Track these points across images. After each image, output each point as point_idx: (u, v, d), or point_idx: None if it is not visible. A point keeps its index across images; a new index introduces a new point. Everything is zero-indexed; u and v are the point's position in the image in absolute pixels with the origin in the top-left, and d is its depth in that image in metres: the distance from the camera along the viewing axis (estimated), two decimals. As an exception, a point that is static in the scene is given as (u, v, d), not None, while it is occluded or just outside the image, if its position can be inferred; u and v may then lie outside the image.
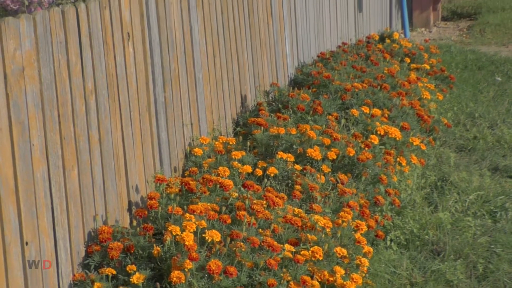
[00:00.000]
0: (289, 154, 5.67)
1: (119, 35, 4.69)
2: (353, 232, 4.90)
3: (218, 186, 4.96)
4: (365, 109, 6.91)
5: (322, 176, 5.59)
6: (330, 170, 5.73)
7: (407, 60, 9.45)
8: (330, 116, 6.73)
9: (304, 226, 4.78)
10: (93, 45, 4.33)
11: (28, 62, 3.61)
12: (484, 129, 7.91)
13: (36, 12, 3.66)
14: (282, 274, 4.22)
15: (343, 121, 6.69)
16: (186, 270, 3.92)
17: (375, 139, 6.30)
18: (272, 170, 5.44)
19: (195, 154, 5.54)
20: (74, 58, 4.10)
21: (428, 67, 9.37)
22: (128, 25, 4.83)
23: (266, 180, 5.39)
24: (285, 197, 5.17)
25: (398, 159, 6.39)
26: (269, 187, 5.29)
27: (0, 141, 3.40)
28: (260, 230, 4.60)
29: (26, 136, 3.60)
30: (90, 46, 4.28)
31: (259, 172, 5.45)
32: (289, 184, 5.52)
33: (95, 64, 4.34)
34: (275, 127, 6.00)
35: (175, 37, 5.62)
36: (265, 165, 5.54)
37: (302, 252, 4.43)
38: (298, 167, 5.62)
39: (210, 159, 5.48)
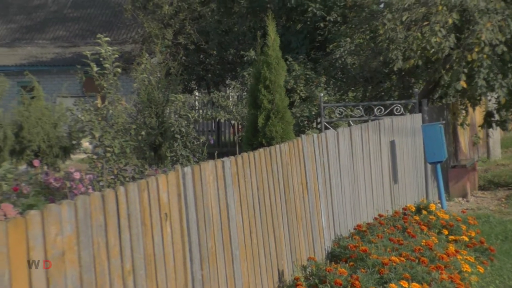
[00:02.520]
0: (328, 332, 5.59)
1: (157, 216, 4.79)
2: None
3: None
4: (404, 284, 6.83)
5: None
6: None
7: (445, 232, 9.42)
8: (368, 291, 6.65)
9: None
10: (132, 226, 4.42)
11: (69, 246, 3.69)
12: (528, 302, 7.74)
13: (78, 197, 3.78)
14: None
15: (381, 296, 6.61)
16: None
17: (415, 315, 6.19)
18: None
19: (232, 332, 5.49)
20: (113, 240, 4.18)
21: (466, 239, 9.31)
22: (166, 206, 4.94)
23: None
24: None
25: (439, 335, 6.25)
26: None
27: (38, 326, 3.43)
28: None
29: (64, 320, 3.63)
30: (128, 228, 4.38)
31: None
32: None
33: (133, 245, 4.42)
34: (312, 304, 5.95)
35: (212, 215, 5.71)
36: None
37: None
38: None
39: (247, 338, 5.41)
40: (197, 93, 24.99)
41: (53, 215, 3.57)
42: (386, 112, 13.79)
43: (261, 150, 6.89)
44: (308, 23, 20.46)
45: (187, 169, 5.37)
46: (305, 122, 17.91)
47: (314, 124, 18.64)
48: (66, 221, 3.69)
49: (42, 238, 3.49)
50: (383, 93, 16.63)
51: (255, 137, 10.48)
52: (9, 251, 3.27)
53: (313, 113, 17.60)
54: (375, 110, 14.09)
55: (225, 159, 6.09)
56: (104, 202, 4.12)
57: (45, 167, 13.71)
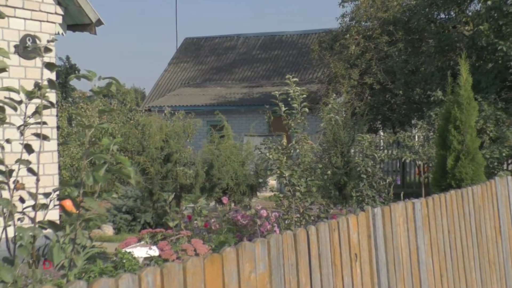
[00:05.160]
0: None
1: (347, 256, 4.75)
2: None
3: None
4: None
5: None
6: None
7: None
8: None
9: None
10: (322, 266, 4.40)
11: (262, 284, 3.72)
12: None
13: (271, 235, 3.81)
14: None
15: None
16: None
17: None
18: None
19: None
20: (304, 279, 4.17)
21: None
22: (356, 246, 4.89)
23: None
24: None
25: None
26: None
27: None
28: None
29: None
30: (319, 267, 4.36)
31: None
32: None
33: (323, 284, 4.39)
34: None
35: (402, 257, 5.59)
36: None
37: None
38: None
39: None
40: (381, 133, 24.82)
41: (247, 253, 3.61)
42: None
43: (452, 192, 6.70)
44: (499, 62, 19.83)
45: (377, 210, 5.30)
46: (495, 164, 17.30)
47: (505, 166, 17.96)
48: (259, 259, 3.72)
49: (237, 275, 3.53)
50: None
51: (444, 179, 10.22)
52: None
53: (504, 154, 16.97)
54: None
55: (415, 200, 5.96)
56: (296, 241, 4.13)
57: (232, 205, 14.04)
